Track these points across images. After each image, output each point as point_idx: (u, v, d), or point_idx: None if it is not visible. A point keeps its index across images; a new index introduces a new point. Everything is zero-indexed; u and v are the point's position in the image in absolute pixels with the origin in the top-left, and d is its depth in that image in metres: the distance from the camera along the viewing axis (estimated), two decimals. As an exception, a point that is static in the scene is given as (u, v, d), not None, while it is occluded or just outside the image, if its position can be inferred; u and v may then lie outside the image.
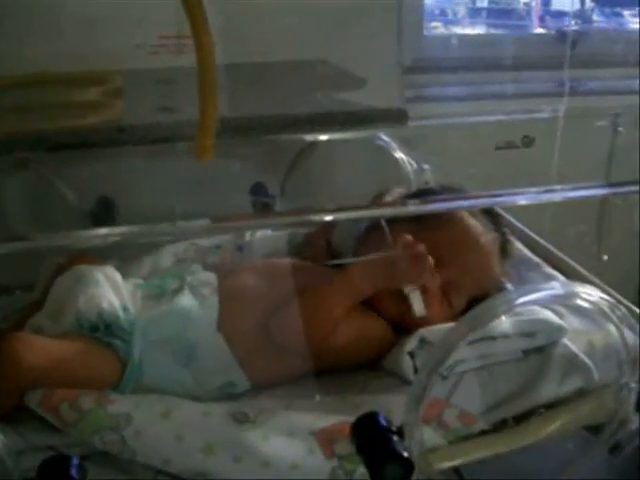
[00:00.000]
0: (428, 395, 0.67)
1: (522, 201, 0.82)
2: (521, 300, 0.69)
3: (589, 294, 0.74)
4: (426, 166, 1.26)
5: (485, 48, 1.93)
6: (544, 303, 0.77)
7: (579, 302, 0.74)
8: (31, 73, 1.30)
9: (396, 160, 1.30)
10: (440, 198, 0.89)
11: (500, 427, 0.81)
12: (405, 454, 0.62)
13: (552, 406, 0.82)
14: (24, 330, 0.88)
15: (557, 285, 0.74)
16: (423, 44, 1.85)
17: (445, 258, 0.91)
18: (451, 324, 0.86)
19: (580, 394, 0.82)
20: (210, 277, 0.94)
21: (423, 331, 0.84)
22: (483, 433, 0.80)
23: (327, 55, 1.72)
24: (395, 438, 0.63)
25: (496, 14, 2.17)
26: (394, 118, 1.22)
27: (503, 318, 0.85)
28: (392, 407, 0.79)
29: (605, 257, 1.28)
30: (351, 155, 1.31)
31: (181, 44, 1.22)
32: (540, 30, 2.19)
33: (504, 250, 0.97)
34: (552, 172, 1.21)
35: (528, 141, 1.23)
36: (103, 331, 0.83)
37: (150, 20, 1.15)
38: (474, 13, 2.04)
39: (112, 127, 1.21)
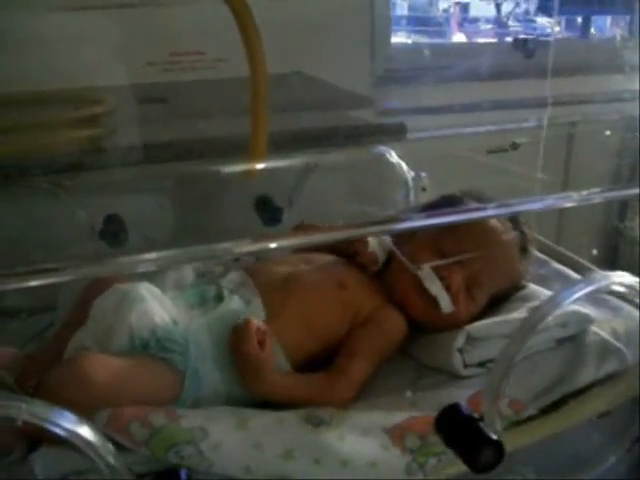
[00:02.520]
0: (504, 386, 0.71)
1: (537, 207, 0.88)
2: (574, 297, 0.74)
3: (623, 280, 0.80)
4: (423, 173, 1.32)
5: (451, 58, 2.02)
6: (592, 294, 0.82)
7: (615, 287, 0.80)
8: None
9: (394, 167, 1.34)
10: (462, 209, 0.92)
11: (545, 411, 0.86)
12: (496, 438, 0.66)
13: (589, 388, 0.88)
14: (64, 353, 0.88)
15: (597, 277, 0.80)
16: (392, 54, 1.92)
17: (469, 258, 0.96)
18: (495, 319, 0.92)
19: (614, 375, 0.88)
20: (241, 276, 0.95)
21: (469, 328, 0.89)
22: (530, 418, 0.85)
23: (302, 67, 1.76)
24: (481, 424, 0.67)
25: (415, 22, 2.26)
26: (394, 132, 1.26)
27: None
28: (446, 400, 0.82)
29: (595, 251, 1.37)
30: (352, 164, 1.35)
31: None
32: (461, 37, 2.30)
33: (524, 249, 1.03)
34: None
35: (515, 146, 1.31)
36: (155, 347, 0.83)
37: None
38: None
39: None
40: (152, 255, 0.65)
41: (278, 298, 0.91)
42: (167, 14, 1.11)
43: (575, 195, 0.71)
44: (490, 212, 0.79)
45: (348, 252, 1.00)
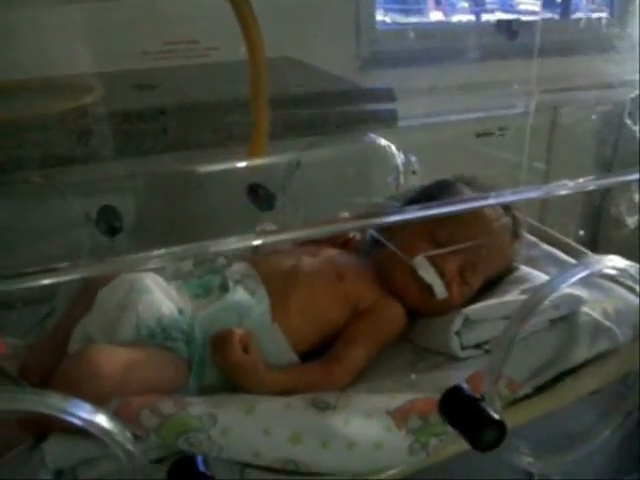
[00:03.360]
0: (504, 371, 0.74)
1: (532, 195, 0.90)
2: (570, 281, 0.76)
3: (617, 264, 0.83)
4: (413, 157, 1.33)
5: (436, 40, 2.03)
6: (587, 278, 0.85)
7: (608, 271, 0.83)
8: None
9: (384, 152, 1.36)
10: (455, 200, 0.93)
11: (539, 390, 0.89)
12: (498, 417, 0.68)
13: (581, 366, 0.91)
14: (68, 342, 0.88)
15: (592, 261, 0.82)
16: (377, 36, 1.92)
17: (461, 242, 0.98)
18: (491, 301, 0.94)
19: (605, 354, 0.92)
20: (246, 267, 0.97)
21: (466, 311, 0.91)
22: (525, 397, 0.88)
23: (288, 52, 1.75)
24: (483, 404, 0.69)
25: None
26: (385, 119, 1.27)
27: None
28: (446, 382, 0.85)
29: (581, 232, 1.40)
30: (342, 149, 1.36)
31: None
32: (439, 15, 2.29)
33: (516, 233, 1.06)
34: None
35: (503, 130, 1.34)
36: (161, 336, 0.85)
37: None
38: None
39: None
40: (160, 252, 0.66)
41: (282, 289, 0.93)
42: (160, 2, 1.11)
43: (571, 183, 0.73)
44: (485, 202, 0.81)
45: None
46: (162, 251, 0.73)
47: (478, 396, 0.71)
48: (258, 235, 0.75)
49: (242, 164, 0.93)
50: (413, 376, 0.85)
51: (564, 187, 0.73)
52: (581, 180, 0.73)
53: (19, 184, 1.15)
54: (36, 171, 1.18)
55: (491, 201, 0.77)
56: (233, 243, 0.66)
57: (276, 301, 0.91)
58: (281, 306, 0.91)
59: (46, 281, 0.56)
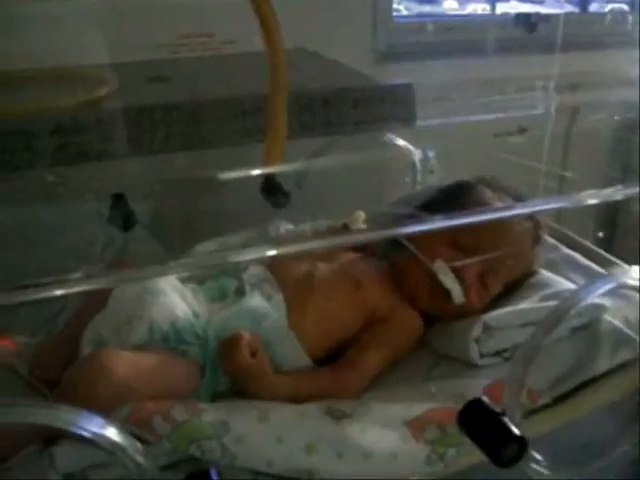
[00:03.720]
0: (526, 381, 0.72)
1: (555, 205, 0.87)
2: (596, 293, 0.74)
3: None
4: (431, 154, 1.30)
5: (452, 32, 2.00)
6: (614, 290, 0.83)
7: (634, 283, 0.81)
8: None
9: (402, 150, 1.33)
10: (481, 210, 0.90)
11: (558, 400, 0.87)
12: (519, 433, 0.66)
13: (602, 376, 0.89)
14: (79, 342, 0.87)
15: (618, 272, 0.80)
16: (395, 29, 1.89)
17: (482, 247, 0.96)
18: (511, 308, 0.92)
19: (626, 364, 0.89)
20: (263, 271, 0.95)
21: (485, 318, 0.89)
22: (544, 407, 0.86)
23: (304, 43, 1.72)
24: (504, 419, 0.67)
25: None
26: (404, 116, 1.24)
27: (553, 303, 0.92)
28: (464, 391, 0.84)
29: (600, 234, 1.37)
30: (360, 147, 1.33)
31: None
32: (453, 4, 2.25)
33: (537, 236, 1.03)
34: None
35: (522, 130, 1.30)
36: (174, 339, 0.83)
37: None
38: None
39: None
40: (175, 263, 0.64)
41: (299, 295, 0.91)
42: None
43: (599, 192, 0.71)
44: (510, 212, 0.78)
45: None
46: (177, 262, 0.72)
47: (499, 410, 0.69)
48: (276, 246, 0.73)
49: (256, 171, 0.91)
50: (433, 389, 0.83)
51: (593, 196, 0.71)
52: (610, 190, 0.71)
53: (30, 181, 1.13)
54: (47, 168, 1.16)
55: (517, 211, 0.74)
56: (250, 254, 0.64)
57: (292, 308, 0.89)
58: (297, 313, 0.89)
59: (58, 292, 0.54)
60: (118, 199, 1.20)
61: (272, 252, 0.65)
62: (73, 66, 1.32)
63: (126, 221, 1.16)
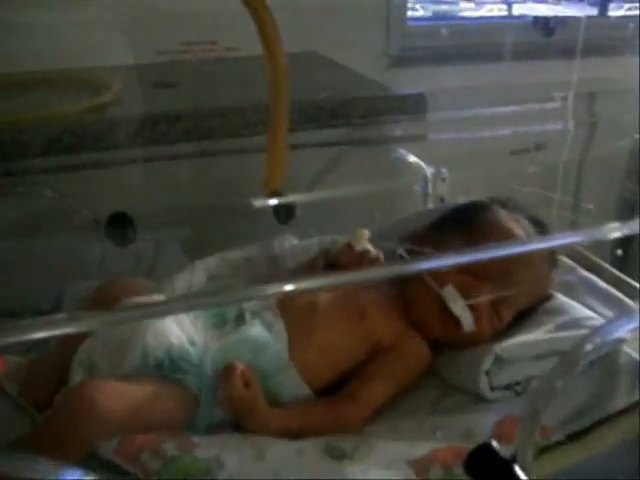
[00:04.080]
0: (539, 425, 0.67)
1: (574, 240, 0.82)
2: (618, 333, 0.70)
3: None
4: (444, 169, 1.25)
5: (467, 36, 1.94)
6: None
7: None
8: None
9: (413, 166, 1.28)
10: (498, 245, 0.83)
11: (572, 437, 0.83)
12: (528, 483, 0.62)
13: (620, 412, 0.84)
14: (71, 367, 0.83)
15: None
16: (408, 33, 1.84)
17: (495, 272, 0.90)
18: (524, 338, 0.87)
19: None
20: None
21: (496, 349, 0.84)
22: (557, 444, 0.82)
23: (316, 47, 1.68)
24: (516, 467, 0.63)
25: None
26: (413, 106, 1.18)
27: (569, 333, 0.87)
28: (473, 427, 0.80)
29: (619, 251, 1.32)
30: (371, 159, 1.29)
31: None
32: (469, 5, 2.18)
33: (553, 259, 0.98)
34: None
35: (539, 147, 1.24)
36: (169, 367, 0.79)
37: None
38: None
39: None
40: (180, 301, 0.60)
41: (301, 324, 0.86)
42: (178, 2, 1.05)
43: (622, 225, 0.66)
44: (529, 247, 0.72)
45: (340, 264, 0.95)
46: (182, 301, 0.67)
47: (509, 456, 0.65)
48: (291, 281, 0.67)
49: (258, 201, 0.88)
50: (437, 433, 0.78)
51: (615, 230, 0.66)
52: (635, 222, 0.65)
53: (26, 190, 1.10)
54: (44, 175, 1.13)
55: (534, 247, 0.69)
56: (263, 291, 0.59)
57: (294, 338, 0.85)
58: (299, 344, 0.85)
59: (40, 334, 0.50)
60: (118, 215, 1.16)
61: (290, 287, 0.60)
62: (77, 69, 1.29)
63: (124, 236, 1.12)
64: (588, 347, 0.67)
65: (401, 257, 0.97)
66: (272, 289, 0.59)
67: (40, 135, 1.06)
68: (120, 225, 1.12)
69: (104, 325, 0.62)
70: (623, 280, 1.05)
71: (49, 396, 0.82)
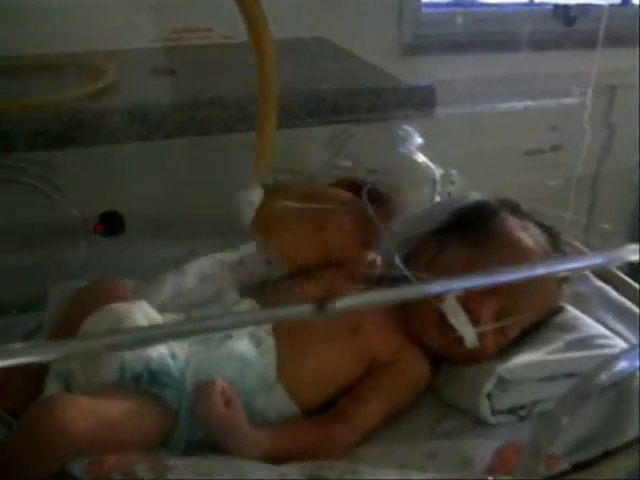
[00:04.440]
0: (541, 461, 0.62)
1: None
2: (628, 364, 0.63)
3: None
4: (454, 171, 1.18)
5: (483, 24, 1.86)
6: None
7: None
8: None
9: (421, 167, 1.21)
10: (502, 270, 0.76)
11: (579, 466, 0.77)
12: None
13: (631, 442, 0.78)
14: (47, 374, 0.79)
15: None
16: (422, 20, 1.76)
17: (502, 287, 0.84)
18: (530, 358, 0.82)
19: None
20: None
21: (499, 370, 0.78)
22: (561, 474, 0.76)
23: (325, 33, 1.61)
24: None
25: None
26: (422, 99, 1.11)
27: (579, 354, 0.81)
28: (472, 453, 0.74)
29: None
30: (377, 158, 1.22)
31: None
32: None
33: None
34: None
35: (555, 148, 1.17)
36: (147, 381, 0.74)
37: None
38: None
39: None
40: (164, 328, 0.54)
41: (292, 341, 0.80)
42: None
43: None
44: (542, 270, 0.65)
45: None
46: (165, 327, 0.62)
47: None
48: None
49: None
50: (422, 442, 0.73)
51: (635, 252, 0.60)
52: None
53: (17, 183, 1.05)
54: (37, 165, 1.08)
55: (551, 269, 0.62)
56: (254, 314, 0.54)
57: (284, 355, 0.79)
58: (289, 361, 0.79)
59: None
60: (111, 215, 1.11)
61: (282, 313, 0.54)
62: (71, 53, 1.24)
63: (113, 227, 1.08)
64: (602, 378, 0.61)
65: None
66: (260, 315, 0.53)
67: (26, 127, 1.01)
68: (110, 222, 1.08)
69: (65, 354, 0.56)
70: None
71: (25, 402, 0.77)
